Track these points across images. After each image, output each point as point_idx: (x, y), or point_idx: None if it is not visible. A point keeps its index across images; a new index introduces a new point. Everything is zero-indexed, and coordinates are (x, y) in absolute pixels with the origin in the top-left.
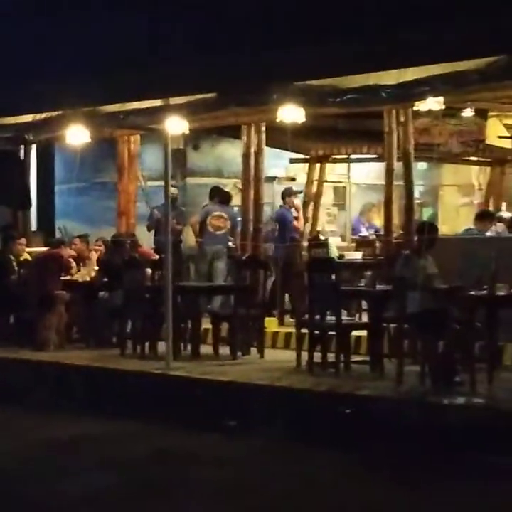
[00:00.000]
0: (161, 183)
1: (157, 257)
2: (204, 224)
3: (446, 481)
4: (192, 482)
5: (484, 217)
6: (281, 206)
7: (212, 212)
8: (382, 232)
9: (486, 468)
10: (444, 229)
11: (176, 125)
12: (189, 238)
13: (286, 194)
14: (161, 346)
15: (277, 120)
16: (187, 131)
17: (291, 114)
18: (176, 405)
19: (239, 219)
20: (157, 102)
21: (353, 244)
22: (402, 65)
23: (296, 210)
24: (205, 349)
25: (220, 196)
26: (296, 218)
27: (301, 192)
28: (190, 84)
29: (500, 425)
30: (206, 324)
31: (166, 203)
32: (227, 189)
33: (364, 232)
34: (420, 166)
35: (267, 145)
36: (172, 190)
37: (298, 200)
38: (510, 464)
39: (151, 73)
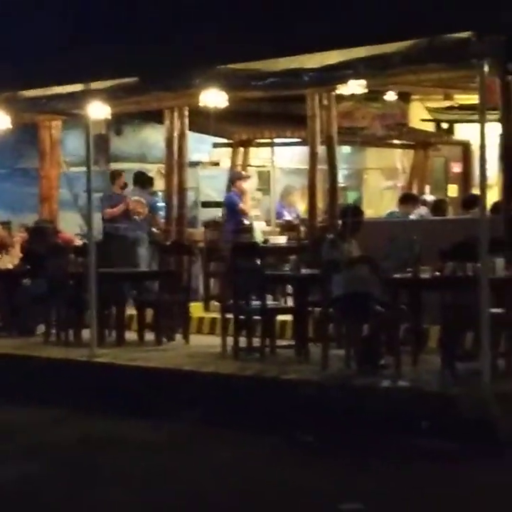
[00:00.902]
0: (84, 168)
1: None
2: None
3: (372, 463)
4: (118, 467)
5: (408, 200)
6: (229, 190)
7: (131, 198)
8: (302, 216)
9: (411, 450)
10: (368, 212)
11: (98, 110)
12: None
13: (236, 178)
14: (86, 333)
15: (200, 105)
16: (109, 116)
17: (213, 98)
18: (101, 392)
19: (160, 204)
20: (79, 87)
21: (278, 229)
22: (324, 48)
23: (243, 194)
24: (130, 335)
25: (140, 181)
26: (244, 202)
27: (249, 176)
28: (112, 69)
29: (424, 407)
30: (131, 310)
31: (88, 188)
32: (151, 174)
33: (287, 217)
34: (344, 150)
35: (190, 130)
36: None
37: (246, 184)
38: (434, 445)
39: (73, 58)
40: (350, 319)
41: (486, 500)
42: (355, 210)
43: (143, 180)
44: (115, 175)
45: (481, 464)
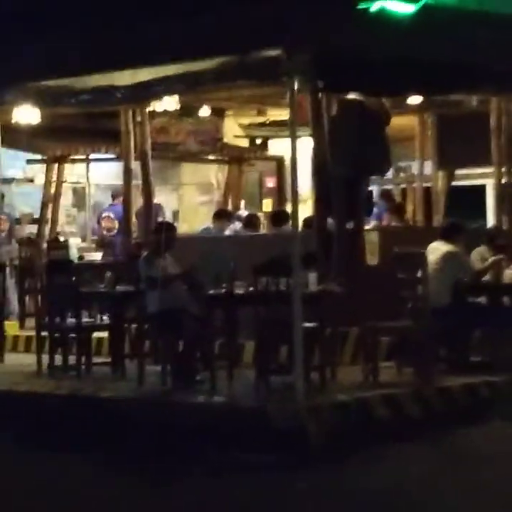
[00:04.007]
0: None
1: None
2: None
3: (187, 479)
4: None
5: (222, 216)
6: (112, 205)
7: None
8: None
9: (227, 464)
10: (183, 227)
11: None
12: None
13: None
14: None
15: (13, 121)
16: None
17: (26, 114)
18: None
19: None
20: None
21: (93, 245)
22: (135, 65)
23: None
24: None
25: None
26: None
27: None
28: None
29: (239, 422)
30: None
31: None
32: None
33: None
34: (159, 165)
35: (3, 146)
36: None
37: None
38: (248, 459)
39: None
40: (165, 335)
41: (301, 507)
42: (167, 226)
43: None
44: None
45: (296, 473)
